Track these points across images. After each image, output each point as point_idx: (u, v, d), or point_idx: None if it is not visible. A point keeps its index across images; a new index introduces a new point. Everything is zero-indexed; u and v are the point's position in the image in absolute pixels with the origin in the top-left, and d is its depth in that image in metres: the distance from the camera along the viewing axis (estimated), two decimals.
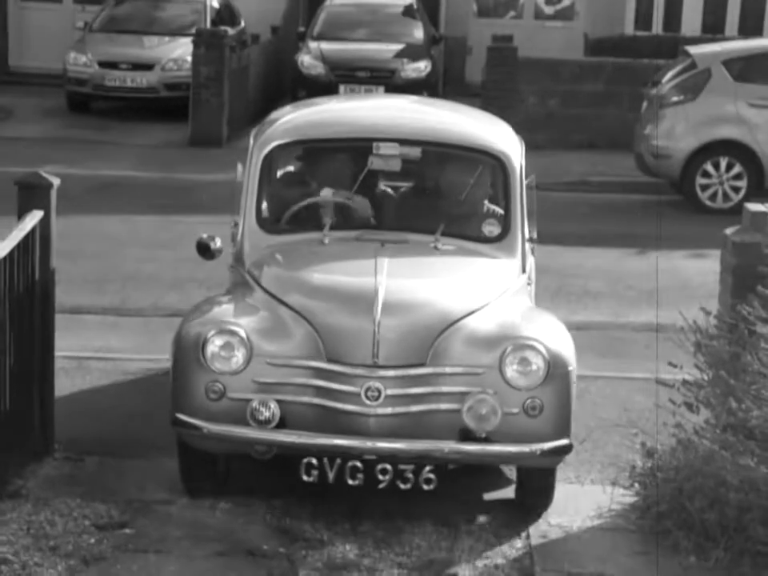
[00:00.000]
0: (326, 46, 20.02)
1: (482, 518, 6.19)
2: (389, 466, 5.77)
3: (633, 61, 18.61)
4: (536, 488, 6.21)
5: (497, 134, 7.26)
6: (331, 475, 5.80)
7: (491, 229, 6.85)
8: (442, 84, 21.30)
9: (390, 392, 5.77)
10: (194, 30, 19.02)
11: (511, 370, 5.82)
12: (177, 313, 9.62)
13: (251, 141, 7.16)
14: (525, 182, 6.94)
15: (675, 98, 14.47)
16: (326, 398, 5.81)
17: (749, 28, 22.90)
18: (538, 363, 5.83)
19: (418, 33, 20.87)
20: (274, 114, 7.67)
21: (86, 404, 7.54)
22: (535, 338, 5.90)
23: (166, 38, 20.49)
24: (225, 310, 6.23)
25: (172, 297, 10.13)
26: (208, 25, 20.30)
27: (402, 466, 5.78)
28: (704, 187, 14.36)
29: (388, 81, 18.98)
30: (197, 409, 5.88)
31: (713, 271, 7.45)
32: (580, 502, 6.27)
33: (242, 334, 5.86)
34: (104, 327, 9.29)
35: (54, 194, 6.50)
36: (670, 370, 6.16)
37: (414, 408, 5.81)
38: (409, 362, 5.82)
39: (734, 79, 14.32)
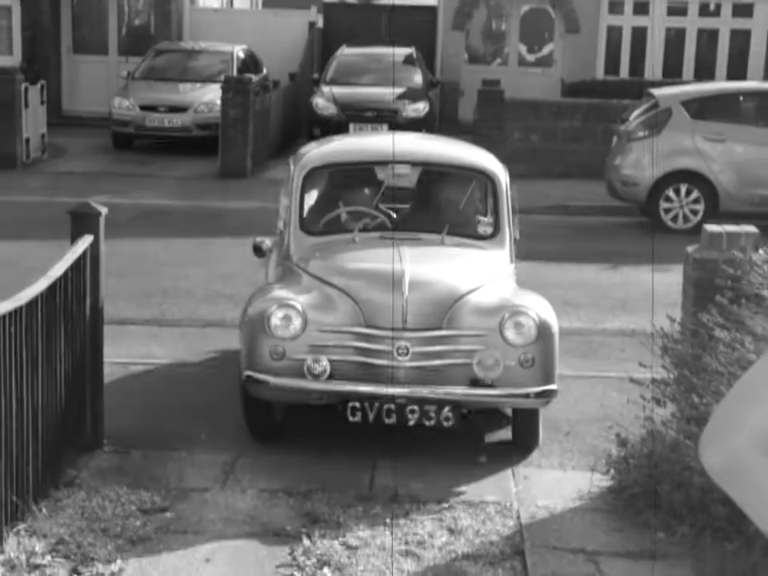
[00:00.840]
0: (338, 89, 20.03)
1: (482, 459, 6.67)
2: (416, 407, 6.35)
3: (603, 101, 18.61)
4: (527, 430, 6.79)
5: (486, 158, 7.86)
6: (371, 416, 6.37)
7: (485, 229, 7.48)
8: (438, 122, 21.30)
9: (415, 350, 6.39)
10: (222, 78, 19.01)
11: (509, 332, 6.43)
12: (209, 323, 9.65)
13: (291, 167, 7.78)
14: (509, 195, 7.55)
15: (641, 134, 14.45)
16: (365, 356, 6.41)
17: (703, 73, 22.97)
18: (530, 326, 6.44)
19: (417, 78, 20.88)
20: (304, 148, 8.27)
21: (131, 404, 7.51)
22: (527, 307, 6.52)
23: (198, 85, 20.49)
24: (282, 290, 6.74)
25: (204, 309, 10.11)
26: (235, 73, 20.31)
27: (426, 407, 6.34)
28: (667, 210, 14.34)
29: (391, 120, 18.97)
30: (263, 367, 6.42)
31: (676, 283, 7.43)
32: (563, 487, 6.25)
33: (299, 307, 6.44)
34: (146, 336, 9.26)
35: (102, 221, 6.49)
36: (641, 369, 6.13)
37: (435, 362, 6.41)
38: (429, 327, 6.42)
39: (691, 117, 14.30)
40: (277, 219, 7.87)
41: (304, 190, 7.47)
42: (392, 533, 5.68)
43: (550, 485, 6.30)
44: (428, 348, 6.39)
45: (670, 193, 14.29)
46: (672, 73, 22.98)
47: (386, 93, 19.65)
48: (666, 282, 10.97)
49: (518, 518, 5.88)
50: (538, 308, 6.55)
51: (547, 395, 6.48)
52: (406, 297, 6.35)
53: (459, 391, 6.35)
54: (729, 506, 5.37)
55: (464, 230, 7.48)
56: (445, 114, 23.01)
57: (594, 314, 10.29)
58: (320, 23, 25.43)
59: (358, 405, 6.34)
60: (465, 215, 7.74)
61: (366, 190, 7.86)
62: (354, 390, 6.34)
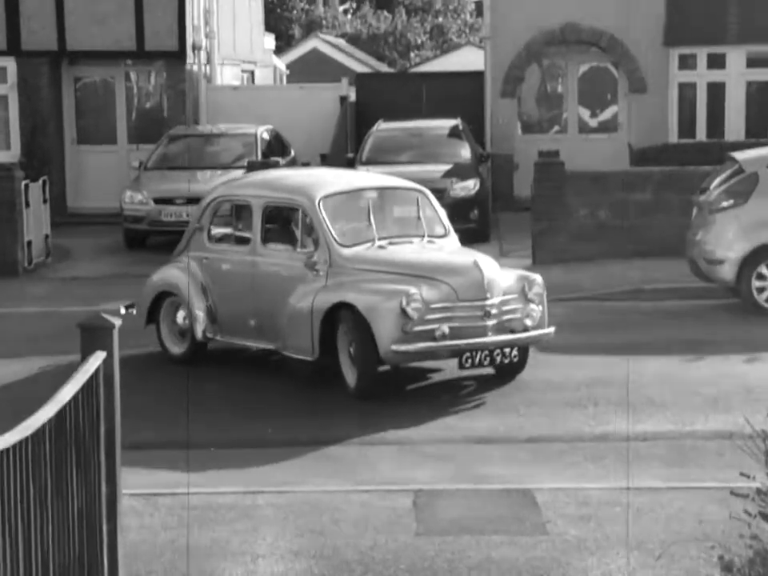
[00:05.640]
0: (375, 170, 20.10)
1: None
2: (500, 351, 10.66)
3: (679, 168, 18.55)
4: (522, 359, 11.10)
5: (413, 183, 12.56)
6: (476, 360, 10.54)
7: (440, 230, 11.97)
8: (492, 200, 21.36)
9: (493, 311, 10.75)
10: (245, 163, 19.17)
11: (530, 294, 11.01)
12: (243, 443, 9.56)
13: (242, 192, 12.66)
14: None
15: (725, 203, 14.36)
16: (465, 321, 10.65)
17: None
18: (540, 289, 11.11)
19: (465, 152, 20.95)
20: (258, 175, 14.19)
21: (155, 542, 7.43)
22: (535, 276, 11.19)
23: (219, 172, 20.26)
24: (393, 285, 10.67)
25: (233, 425, 10.05)
26: (259, 156, 20.47)
27: (505, 350, 10.69)
28: (760, 290, 14.15)
29: (438, 200, 18.95)
30: (400, 339, 10.44)
31: None
32: None
33: (418, 294, 10.49)
34: (170, 461, 9.18)
35: (116, 334, 6.47)
36: (743, 479, 5.98)
37: (503, 318, 10.85)
38: (495, 296, 10.76)
39: None
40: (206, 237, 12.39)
41: (326, 213, 11.30)
42: None
43: None
44: (499, 309, 10.77)
45: (763, 269, 14.14)
46: (755, 133, 22.94)
47: (429, 171, 19.71)
48: (764, 374, 10.85)
49: None
50: (538, 277, 11.18)
51: (551, 335, 11.20)
52: (486, 278, 10.68)
53: (521, 336, 10.87)
54: None
55: (431, 232, 11.79)
56: (498, 191, 23.11)
57: (683, 413, 10.12)
58: (352, 97, 25.71)
59: (468, 354, 10.47)
60: (425, 221, 11.87)
61: (360, 210, 11.72)
62: (465, 345, 10.51)
